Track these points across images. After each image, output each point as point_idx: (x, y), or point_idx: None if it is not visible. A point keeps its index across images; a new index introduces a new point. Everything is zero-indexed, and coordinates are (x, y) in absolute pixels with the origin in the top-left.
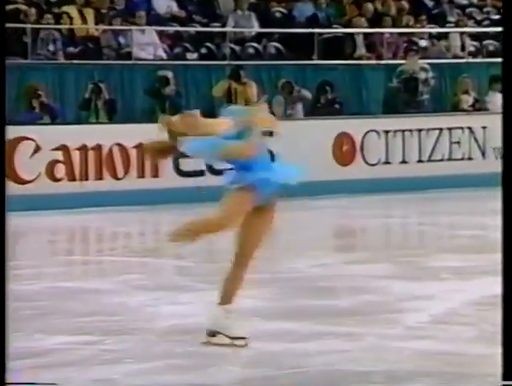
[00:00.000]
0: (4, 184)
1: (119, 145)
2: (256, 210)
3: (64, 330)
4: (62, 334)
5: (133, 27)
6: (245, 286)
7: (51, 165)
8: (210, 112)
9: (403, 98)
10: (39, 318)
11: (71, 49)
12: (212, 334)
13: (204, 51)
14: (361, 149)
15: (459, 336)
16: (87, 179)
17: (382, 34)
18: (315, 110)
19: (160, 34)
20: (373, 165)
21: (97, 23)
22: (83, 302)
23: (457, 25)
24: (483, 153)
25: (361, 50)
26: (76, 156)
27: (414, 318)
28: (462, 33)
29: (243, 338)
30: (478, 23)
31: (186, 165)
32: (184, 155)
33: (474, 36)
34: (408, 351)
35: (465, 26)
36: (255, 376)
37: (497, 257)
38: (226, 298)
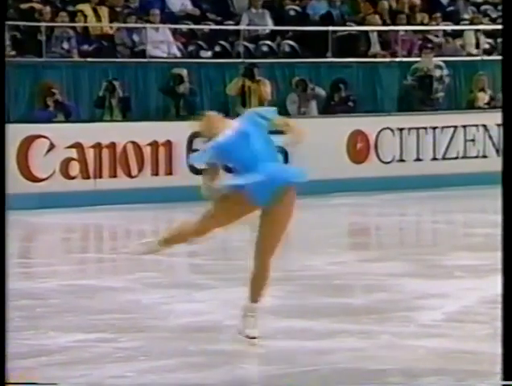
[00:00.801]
0: (4, 183)
1: (133, 142)
2: (262, 211)
3: (78, 327)
4: (76, 331)
5: (147, 25)
6: None
7: (66, 163)
8: (224, 111)
9: (418, 96)
10: (53, 315)
11: (85, 47)
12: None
13: (218, 49)
14: (376, 147)
15: (473, 334)
16: (101, 177)
17: (397, 31)
18: (329, 108)
19: (174, 32)
20: (387, 163)
21: (111, 21)
22: (97, 300)
23: (472, 22)
24: (497, 151)
25: (376, 47)
26: (90, 154)
27: (429, 316)
28: (477, 30)
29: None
30: (493, 21)
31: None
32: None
33: (489, 34)
34: (422, 348)
35: (480, 23)
36: (270, 374)
37: None
38: (251, 296)
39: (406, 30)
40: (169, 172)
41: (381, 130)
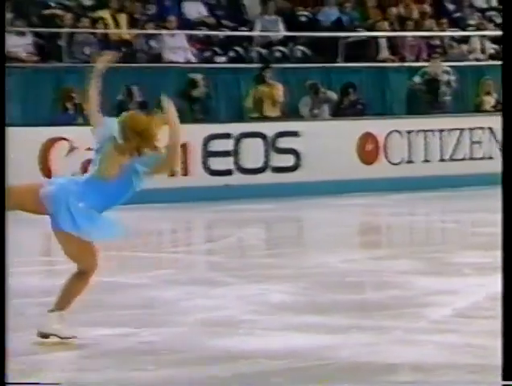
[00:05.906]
0: (4, 183)
1: None
2: None
3: (104, 322)
4: (102, 326)
5: (164, 32)
6: (275, 281)
7: (86, 164)
8: (239, 114)
9: (426, 99)
10: (81, 310)
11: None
12: (45, 336)
13: (232, 54)
14: (385, 148)
15: (483, 329)
16: None
17: (405, 37)
18: (339, 111)
19: (190, 38)
20: (396, 164)
21: (130, 28)
22: (120, 296)
23: (478, 28)
24: None
25: (385, 53)
26: None
27: (439, 312)
28: (482, 36)
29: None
30: (498, 26)
31: (215, 163)
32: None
33: (494, 39)
34: (433, 344)
35: (485, 29)
36: (283, 368)
37: None
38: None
39: (414, 36)
40: (185, 173)
41: (390, 132)
